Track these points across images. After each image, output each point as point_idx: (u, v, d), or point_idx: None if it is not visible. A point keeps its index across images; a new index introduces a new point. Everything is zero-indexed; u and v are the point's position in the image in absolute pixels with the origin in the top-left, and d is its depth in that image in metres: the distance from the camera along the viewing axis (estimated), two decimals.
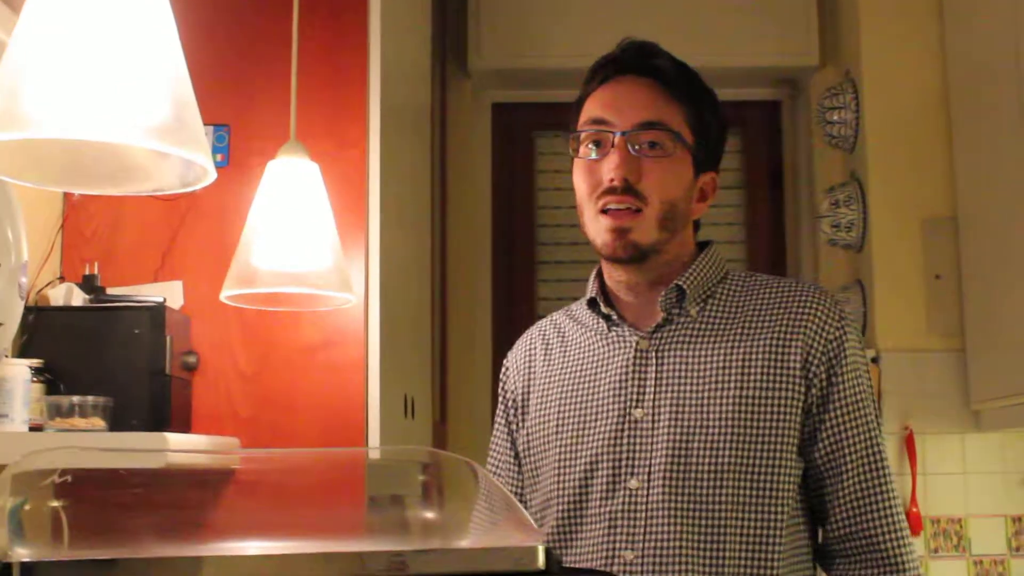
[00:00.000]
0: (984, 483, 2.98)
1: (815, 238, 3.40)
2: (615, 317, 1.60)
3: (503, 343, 3.51)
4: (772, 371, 1.50)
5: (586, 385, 1.59)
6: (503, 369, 1.76)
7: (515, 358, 1.74)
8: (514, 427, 1.69)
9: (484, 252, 3.55)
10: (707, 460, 1.47)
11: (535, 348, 1.71)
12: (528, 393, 1.67)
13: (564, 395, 1.61)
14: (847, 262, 3.31)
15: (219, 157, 2.28)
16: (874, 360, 3.01)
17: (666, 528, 1.46)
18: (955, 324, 3.02)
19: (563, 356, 1.65)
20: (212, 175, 1.07)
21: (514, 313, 3.50)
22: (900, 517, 1.51)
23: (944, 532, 2.96)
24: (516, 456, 1.68)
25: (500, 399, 1.74)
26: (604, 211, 1.53)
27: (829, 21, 3.43)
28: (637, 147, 1.53)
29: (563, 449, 1.57)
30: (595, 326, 1.64)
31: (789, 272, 3.52)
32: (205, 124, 2.26)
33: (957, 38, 3.04)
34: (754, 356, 1.51)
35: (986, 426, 2.94)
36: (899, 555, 1.49)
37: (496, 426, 1.74)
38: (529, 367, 1.69)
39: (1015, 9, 2.62)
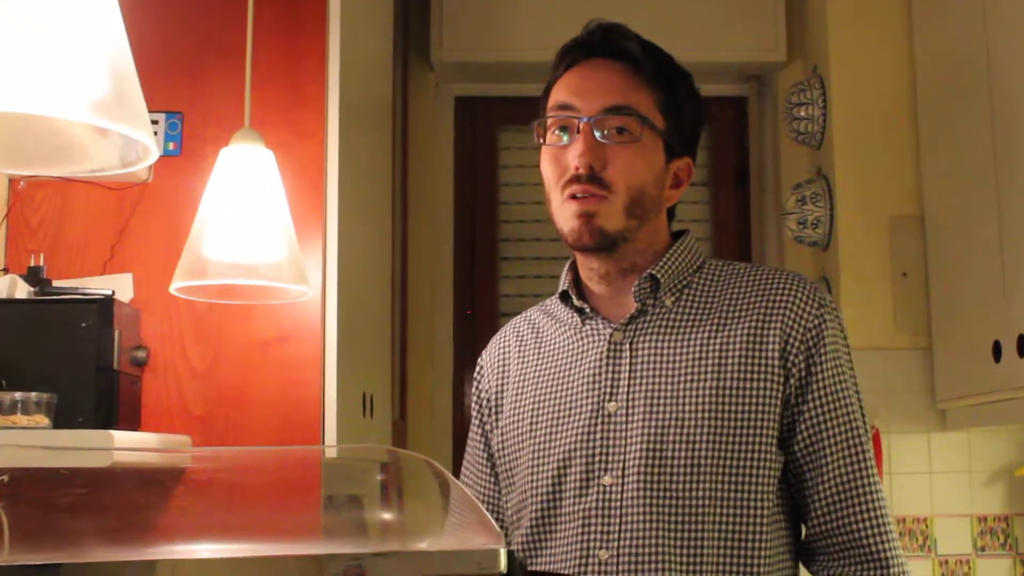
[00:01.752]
0: (950, 482, 2.98)
1: (781, 235, 3.38)
2: (588, 310, 1.56)
3: (465, 340, 3.53)
4: (749, 361, 1.45)
5: (560, 381, 1.54)
6: (477, 368, 1.71)
7: (489, 357, 1.69)
8: (488, 428, 1.65)
9: (446, 247, 3.51)
10: (683, 454, 1.42)
11: (509, 346, 1.66)
12: (503, 392, 1.62)
13: (539, 392, 1.56)
14: (813, 259, 3.29)
15: (172, 146, 2.22)
16: None
17: (641, 526, 1.41)
18: (921, 322, 3.01)
19: (538, 353, 1.60)
20: (155, 153, 1.01)
21: (476, 310, 3.46)
22: (884, 512, 1.46)
23: (910, 532, 2.95)
24: (490, 458, 1.64)
25: (474, 400, 1.70)
26: (571, 197, 1.47)
27: (796, 17, 3.41)
28: (604, 133, 1.48)
29: (536, 447, 1.52)
30: (569, 320, 1.59)
31: None
32: (158, 111, 2.22)
33: (925, 35, 3.03)
34: (731, 346, 1.46)
35: (952, 425, 2.93)
36: (883, 551, 1.44)
37: (472, 429, 1.69)
38: (503, 366, 1.65)
39: (983, 7, 2.60)
